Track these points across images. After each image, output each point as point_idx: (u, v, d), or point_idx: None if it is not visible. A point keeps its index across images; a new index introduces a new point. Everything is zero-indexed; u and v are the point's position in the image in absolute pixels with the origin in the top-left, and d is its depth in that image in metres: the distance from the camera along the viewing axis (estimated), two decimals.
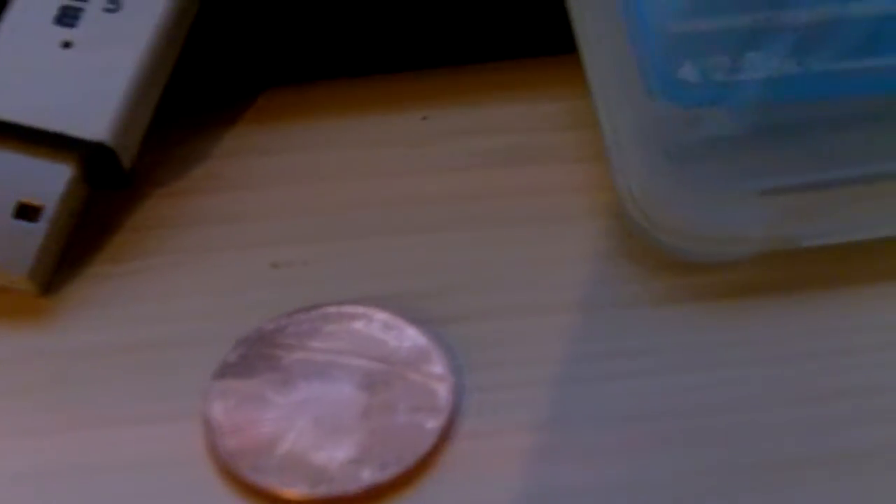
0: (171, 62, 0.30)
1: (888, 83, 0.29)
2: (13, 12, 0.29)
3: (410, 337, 0.26)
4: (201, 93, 0.32)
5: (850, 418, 0.26)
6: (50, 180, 0.27)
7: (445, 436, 0.25)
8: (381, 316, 0.26)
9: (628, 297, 0.28)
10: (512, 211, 0.30)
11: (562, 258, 0.29)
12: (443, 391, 0.25)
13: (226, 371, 0.25)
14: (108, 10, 0.29)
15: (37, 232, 0.27)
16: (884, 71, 0.29)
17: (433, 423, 0.24)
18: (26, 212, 0.27)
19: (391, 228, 0.29)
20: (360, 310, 0.26)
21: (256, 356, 0.25)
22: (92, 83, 0.28)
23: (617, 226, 0.29)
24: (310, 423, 0.24)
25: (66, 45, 0.28)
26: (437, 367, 0.25)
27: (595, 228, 0.29)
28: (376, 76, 0.33)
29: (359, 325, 0.26)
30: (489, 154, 0.31)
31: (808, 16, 0.30)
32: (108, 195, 0.29)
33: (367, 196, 0.30)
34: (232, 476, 0.24)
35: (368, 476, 0.24)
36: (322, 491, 0.23)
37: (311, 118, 0.32)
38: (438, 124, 0.32)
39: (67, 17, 0.29)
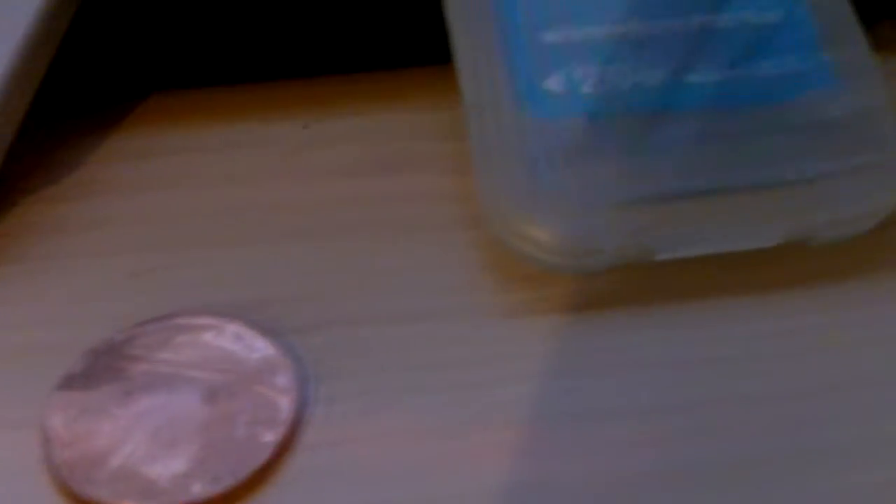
0: (43, 65, 0.30)
1: (748, 96, 0.29)
2: None
3: (260, 348, 0.26)
4: (83, 96, 0.32)
5: (697, 430, 0.26)
6: None
7: (284, 449, 0.25)
8: (232, 327, 0.26)
9: (488, 307, 0.28)
10: (381, 220, 0.30)
11: (424, 267, 0.29)
12: (285, 403, 0.25)
13: (70, 382, 0.25)
14: None
15: None
16: (745, 83, 0.29)
17: (271, 436, 0.25)
18: None
19: (259, 236, 0.29)
20: (211, 321, 0.26)
21: (102, 367, 0.25)
22: None
23: (482, 236, 0.29)
24: (147, 436, 0.24)
25: None
26: (283, 378, 0.25)
27: (461, 238, 0.29)
28: (260, 83, 0.33)
29: (209, 336, 0.26)
30: (365, 163, 0.31)
31: (675, 29, 0.30)
32: None
33: (239, 203, 0.30)
34: (65, 488, 0.24)
35: (199, 490, 0.24)
36: None
37: (192, 124, 0.32)
38: (318, 132, 0.32)
39: None
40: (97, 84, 0.32)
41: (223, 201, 0.30)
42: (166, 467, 0.24)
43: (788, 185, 0.28)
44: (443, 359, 0.27)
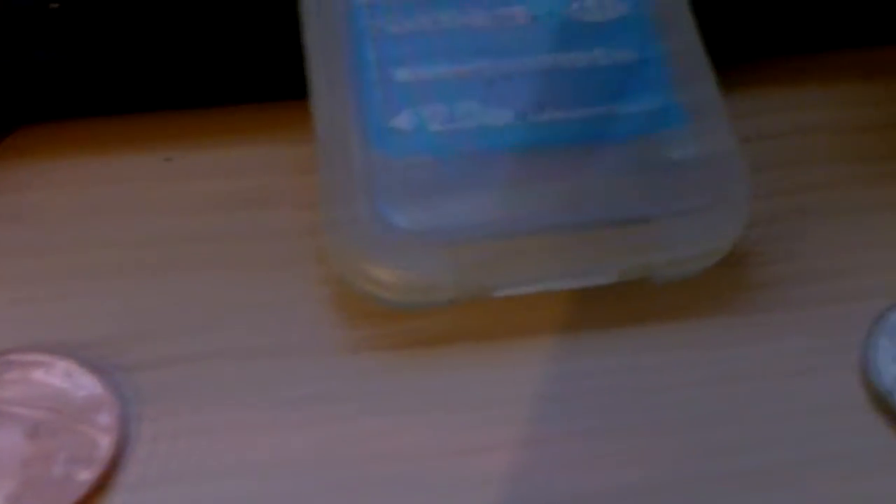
0: None
1: (595, 135, 0.29)
2: None
3: (87, 386, 0.26)
4: None
5: (530, 466, 0.26)
6: None
7: (99, 488, 0.25)
8: (63, 364, 0.26)
9: (330, 344, 0.28)
10: (234, 255, 0.30)
11: (270, 303, 0.29)
12: (105, 442, 0.25)
13: None
14: None
15: None
16: (593, 123, 0.30)
17: (87, 475, 0.25)
18: None
19: (110, 272, 0.29)
20: (43, 357, 0.27)
21: None
22: None
23: (330, 272, 0.29)
24: None
25: None
26: (106, 416, 0.26)
27: (311, 273, 0.29)
28: (124, 116, 0.33)
29: (39, 373, 0.26)
30: (225, 197, 0.31)
31: (525, 68, 0.30)
32: None
33: (97, 238, 0.30)
34: None
35: None
36: None
37: (54, 156, 0.32)
38: (181, 165, 0.32)
39: None
40: None
41: (79, 234, 0.30)
42: None
43: (628, 224, 0.28)
44: (277, 395, 0.27)
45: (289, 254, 0.30)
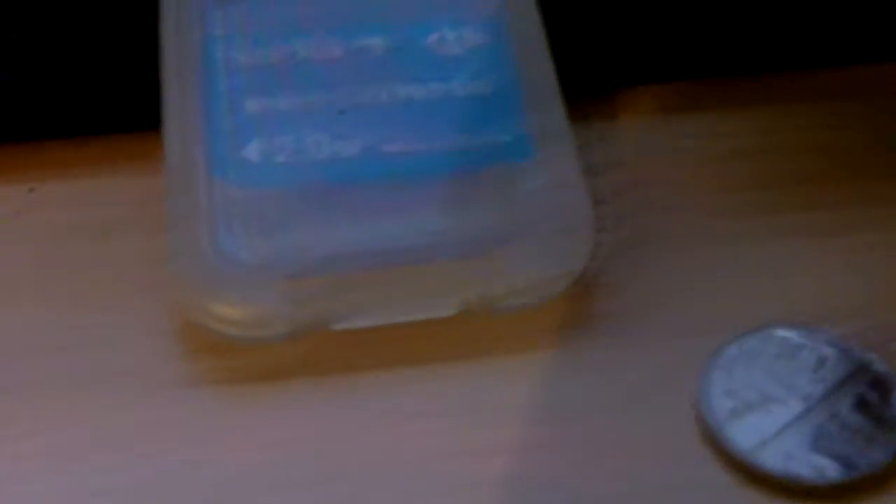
0: None
1: (442, 167, 0.29)
2: None
3: None
4: None
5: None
6: None
7: None
8: None
9: (168, 376, 0.28)
10: (80, 285, 0.30)
11: (110, 334, 0.29)
12: None
13: None
14: None
15: None
16: (441, 154, 0.30)
17: None
18: None
19: None
20: None
21: None
22: None
23: (174, 304, 0.29)
24: None
25: None
26: None
27: (155, 306, 0.29)
28: None
29: None
30: (83, 227, 0.31)
31: (377, 99, 0.30)
32: None
33: None
34: None
35: None
36: None
37: None
38: (43, 196, 0.32)
39: None
40: None
41: None
42: None
43: (467, 256, 0.28)
44: (108, 429, 0.27)
45: (138, 284, 0.30)
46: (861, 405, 0.27)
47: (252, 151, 0.30)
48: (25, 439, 0.27)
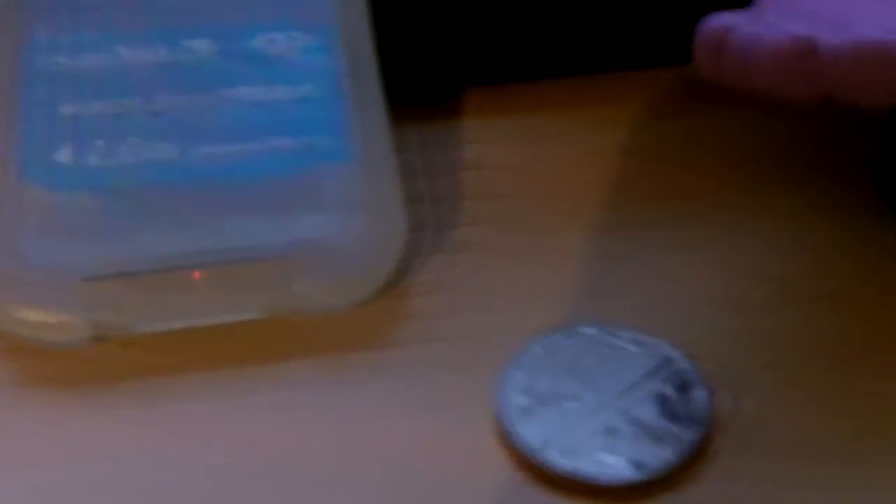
0: None
1: (252, 170, 0.29)
2: None
3: None
4: None
5: None
6: None
7: None
8: None
9: None
10: None
11: None
12: None
13: None
14: None
15: None
16: (251, 158, 0.29)
17: None
18: None
19: None
20: None
21: None
22: None
23: None
24: None
25: None
26: None
27: None
28: None
29: None
30: None
31: (192, 103, 0.30)
32: None
33: None
34: None
35: None
36: None
37: None
38: None
39: None
40: None
41: None
42: None
43: (270, 259, 0.28)
44: None
45: None
46: (659, 401, 0.26)
47: (63, 155, 0.29)
48: None
